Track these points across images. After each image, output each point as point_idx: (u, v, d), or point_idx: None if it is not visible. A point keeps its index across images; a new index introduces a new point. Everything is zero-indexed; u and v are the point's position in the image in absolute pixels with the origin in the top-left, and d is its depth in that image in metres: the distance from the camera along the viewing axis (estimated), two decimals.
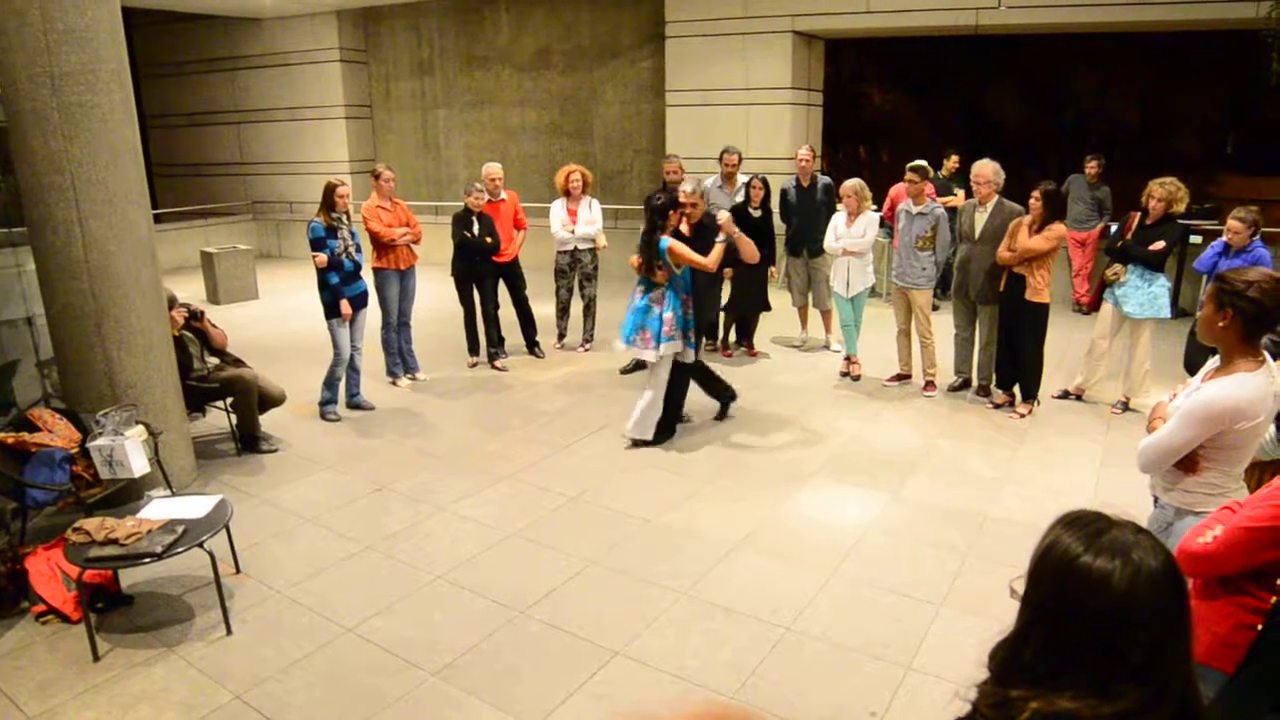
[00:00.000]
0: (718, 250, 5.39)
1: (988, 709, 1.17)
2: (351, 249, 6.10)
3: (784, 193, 7.67)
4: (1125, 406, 6.10)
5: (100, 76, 4.48)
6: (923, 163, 6.67)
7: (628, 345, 5.57)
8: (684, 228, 5.53)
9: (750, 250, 5.61)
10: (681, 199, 5.50)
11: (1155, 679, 1.10)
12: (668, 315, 5.39)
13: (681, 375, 5.71)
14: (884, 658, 3.37)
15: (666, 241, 5.34)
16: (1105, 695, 1.08)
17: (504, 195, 7.65)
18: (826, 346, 8.04)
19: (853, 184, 6.76)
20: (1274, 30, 7.36)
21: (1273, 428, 2.75)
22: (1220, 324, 2.48)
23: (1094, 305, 6.35)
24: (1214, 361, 2.63)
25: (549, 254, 7.94)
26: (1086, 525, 1.18)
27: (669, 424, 5.76)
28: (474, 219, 7.14)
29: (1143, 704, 1.09)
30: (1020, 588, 1.24)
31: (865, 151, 16.90)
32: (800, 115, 11.10)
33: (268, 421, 5.79)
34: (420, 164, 14.22)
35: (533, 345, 7.92)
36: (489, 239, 7.18)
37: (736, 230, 5.51)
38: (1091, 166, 9.10)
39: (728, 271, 7.45)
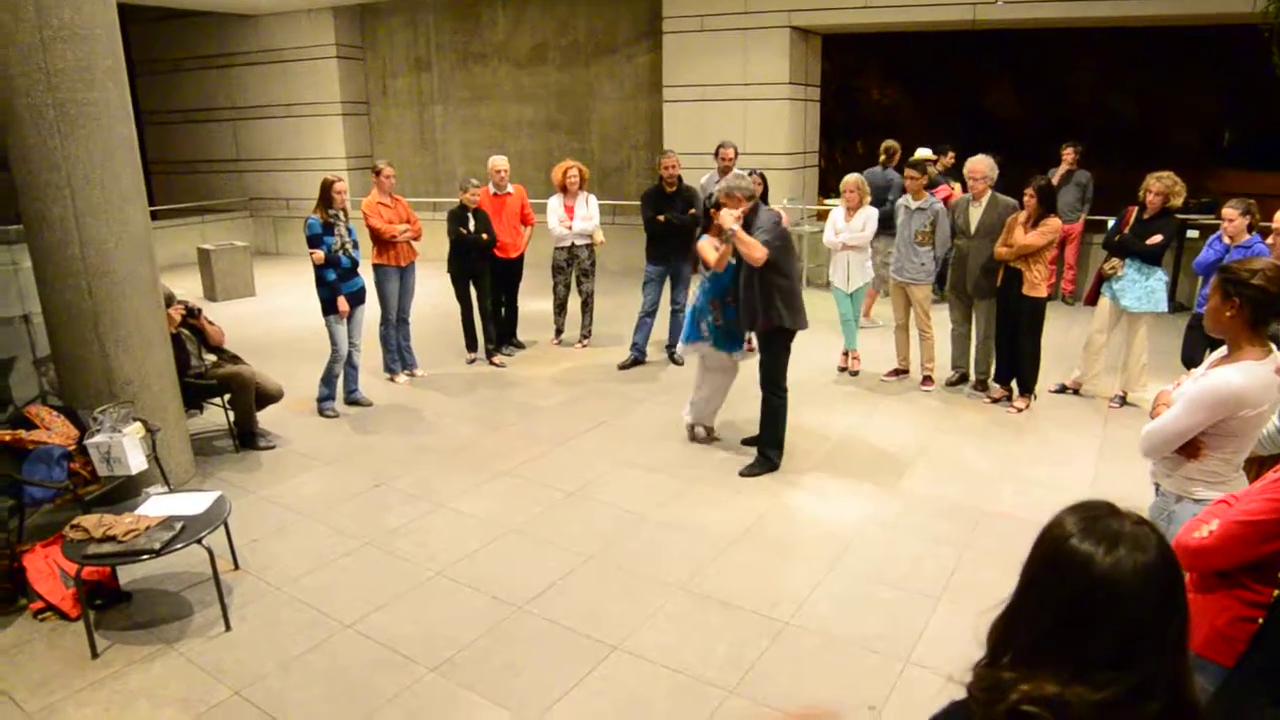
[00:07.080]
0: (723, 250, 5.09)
1: (980, 692, 1.17)
2: (349, 245, 6.10)
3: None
4: (1123, 400, 6.11)
5: (96, 73, 4.46)
6: (926, 152, 6.64)
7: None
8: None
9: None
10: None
11: (1138, 670, 1.10)
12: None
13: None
14: (882, 651, 3.37)
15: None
16: (1086, 681, 1.09)
17: (510, 189, 7.63)
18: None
19: (853, 179, 6.79)
20: (1271, 25, 7.34)
21: (1274, 419, 2.76)
22: (1228, 314, 2.50)
23: (1092, 299, 6.36)
24: (1220, 351, 2.65)
25: (546, 250, 7.93)
26: (1089, 511, 1.19)
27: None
28: (469, 215, 7.13)
29: (1128, 693, 1.09)
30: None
31: (863, 146, 16.88)
32: (798, 110, 11.08)
33: (266, 418, 5.79)
34: (417, 160, 14.19)
35: (511, 339, 8.01)
36: (484, 235, 7.17)
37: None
38: (1068, 154, 9.06)
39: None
